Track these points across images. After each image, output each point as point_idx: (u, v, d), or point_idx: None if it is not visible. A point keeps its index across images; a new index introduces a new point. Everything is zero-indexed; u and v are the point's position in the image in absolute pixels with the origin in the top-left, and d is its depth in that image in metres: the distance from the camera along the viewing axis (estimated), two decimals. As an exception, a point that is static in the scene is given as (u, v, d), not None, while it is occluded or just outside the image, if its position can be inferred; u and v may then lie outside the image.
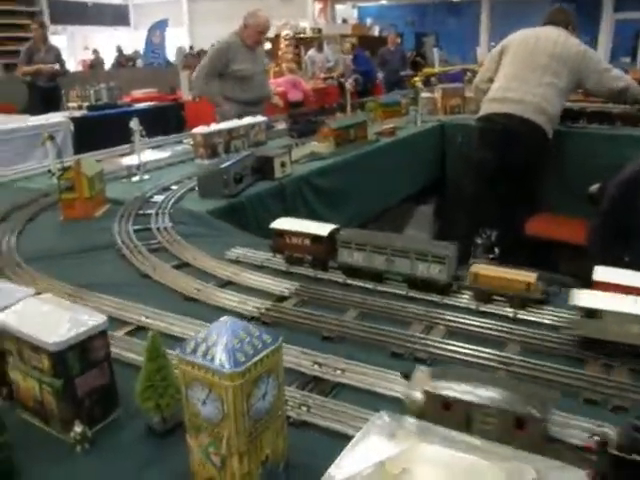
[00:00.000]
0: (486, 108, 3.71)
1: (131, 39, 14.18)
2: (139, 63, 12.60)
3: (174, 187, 2.60)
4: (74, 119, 6.55)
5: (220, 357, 0.73)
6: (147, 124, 9.00)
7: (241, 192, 2.51)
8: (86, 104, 7.24)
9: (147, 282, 1.64)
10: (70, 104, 7.16)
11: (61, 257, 1.84)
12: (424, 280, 1.48)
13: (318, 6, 15.72)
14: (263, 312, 1.40)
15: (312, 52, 10.79)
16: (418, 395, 0.84)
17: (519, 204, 4.10)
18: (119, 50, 13.21)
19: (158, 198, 2.42)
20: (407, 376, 1.01)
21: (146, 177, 2.85)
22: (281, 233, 1.65)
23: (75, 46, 14.25)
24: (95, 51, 13.00)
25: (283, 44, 11.17)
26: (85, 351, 0.96)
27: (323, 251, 1.58)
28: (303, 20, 15.16)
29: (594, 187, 4.02)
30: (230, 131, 3.27)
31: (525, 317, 1.35)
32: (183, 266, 1.72)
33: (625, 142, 4.11)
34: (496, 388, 0.82)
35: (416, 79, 11.84)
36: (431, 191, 4.85)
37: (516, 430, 0.78)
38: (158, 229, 2.03)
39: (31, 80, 7.25)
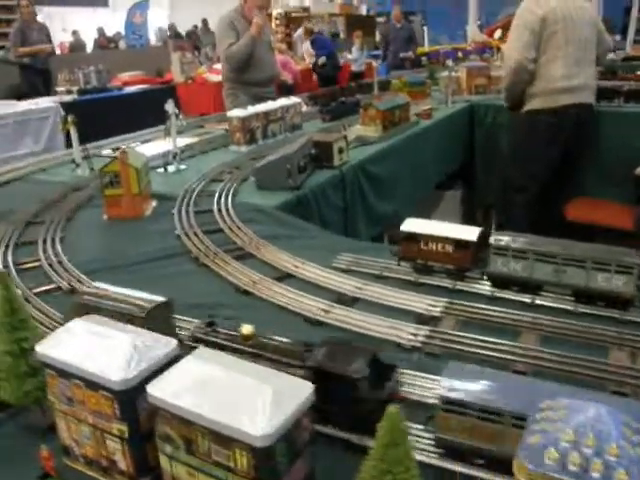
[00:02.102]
0: (553, 100, 3.34)
1: (110, 20, 13.50)
2: (121, 45, 11.99)
3: (220, 178, 2.29)
4: (64, 104, 6.11)
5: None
6: (139, 109, 8.57)
7: (304, 183, 2.20)
8: (76, 88, 6.78)
9: (249, 300, 1.33)
10: (59, 88, 6.69)
11: (128, 268, 1.52)
12: (603, 293, 1.21)
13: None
14: (424, 341, 1.12)
15: (300, 31, 10.39)
16: None
17: (560, 189, 3.90)
18: (101, 31, 12.54)
19: (210, 191, 2.10)
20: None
21: (183, 167, 2.52)
22: (413, 237, 1.35)
23: (53, 28, 13.49)
24: (75, 32, 12.31)
25: (274, 23, 10.73)
26: (292, 438, 0.66)
27: (469, 259, 1.30)
28: (289, -1, 14.69)
29: (639, 170, 3.82)
30: (267, 114, 2.95)
31: None
32: (286, 278, 1.42)
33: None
34: None
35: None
36: (456, 176, 4.59)
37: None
38: (231, 229, 1.72)
39: (27, 61, 6.77)
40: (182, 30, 13.92)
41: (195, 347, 0.86)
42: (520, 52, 3.34)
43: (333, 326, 1.19)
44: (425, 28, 13.93)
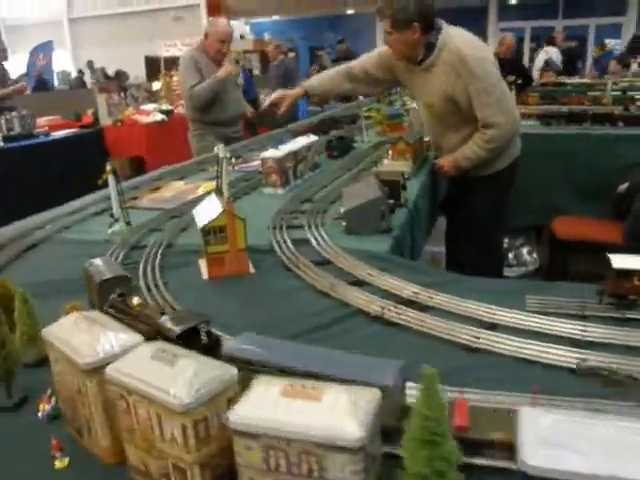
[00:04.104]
0: (519, 141, 3.12)
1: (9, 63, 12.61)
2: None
3: (292, 224, 2.11)
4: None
5: None
6: (66, 156, 8.03)
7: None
8: (-2, 135, 6.22)
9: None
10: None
11: (298, 338, 1.31)
12: None
13: (213, 23, 15.17)
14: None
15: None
16: None
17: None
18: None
19: (299, 239, 1.93)
20: None
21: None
22: (625, 273, 1.29)
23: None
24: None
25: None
26: None
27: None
28: (199, 37, 14.54)
29: (623, 187, 4.07)
30: (296, 154, 2.80)
31: None
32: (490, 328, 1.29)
33: (633, 142, 4.22)
34: None
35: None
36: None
37: None
38: (372, 277, 1.56)
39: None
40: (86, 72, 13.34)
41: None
42: (516, 116, 2.92)
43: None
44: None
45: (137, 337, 0.90)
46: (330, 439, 0.66)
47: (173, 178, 3.11)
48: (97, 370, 0.85)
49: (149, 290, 1.57)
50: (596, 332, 1.24)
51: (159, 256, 1.86)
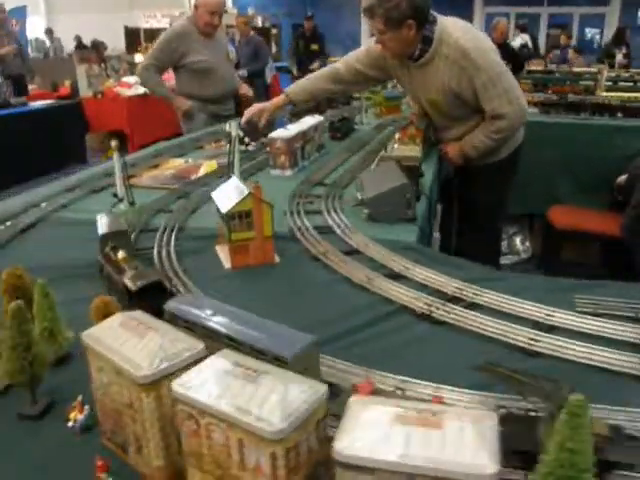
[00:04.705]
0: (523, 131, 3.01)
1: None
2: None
3: (310, 209, 2.01)
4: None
5: None
6: (44, 127, 7.77)
7: (413, 212, 1.99)
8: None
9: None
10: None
11: (348, 338, 1.21)
12: None
13: (194, -5, 14.71)
14: None
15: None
16: None
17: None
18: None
19: (322, 227, 1.82)
20: None
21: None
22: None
23: None
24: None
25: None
26: None
27: None
28: (179, 10, 14.10)
29: (621, 178, 4.05)
30: (305, 134, 2.68)
31: None
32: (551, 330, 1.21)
33: (632, 133, 4.20)
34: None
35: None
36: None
37: None
38: (412, 272, 1.47)
39: None
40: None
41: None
42: (524, 104, 2.73)
43: None
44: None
45: (198, 344, 0.79)
46: (462, 474, 0.57)
47: (171, 155, 2.95)
48: (155, 384, 0.74)
49: (169, 280, 1.44)
50: (661, 337, 1.17)
51: (172, 241, 1.73)
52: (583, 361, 1.12)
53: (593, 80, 5.40)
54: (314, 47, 9.49)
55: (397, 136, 2.98)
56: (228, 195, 1.60)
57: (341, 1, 16.20)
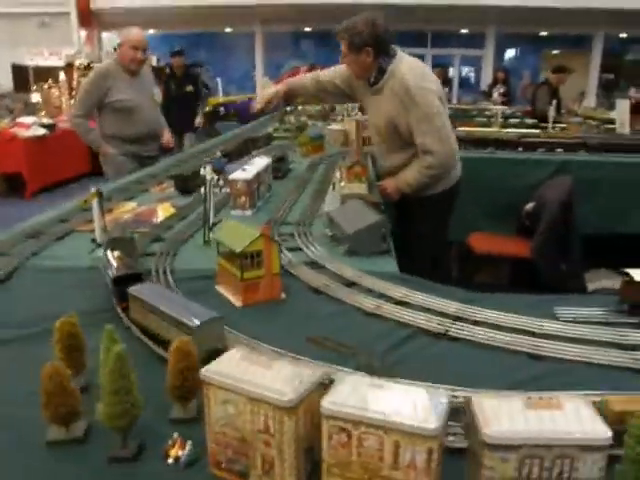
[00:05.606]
0: (458, 169, 3.26)
1: None
2: None
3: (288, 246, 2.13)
4: None
5: None
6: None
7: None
8: None
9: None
10: None
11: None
12: None
13: (83, 33, 14.34)
14: None
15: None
16: None
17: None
18: None
19: (311, 262, 1.95)
20: None
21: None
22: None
23: None
24: None
25: (77, 74, 9.90)
26: None
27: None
28: (68, 48, 13.65)
29: (529, 206, 4.55)
30: (259, 175, 2.80)
31: None
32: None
33: (530, 165, 4.76)
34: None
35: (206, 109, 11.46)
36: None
37: None
38: (414, 298, 1.64)
39: None
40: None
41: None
42: (453, 144, 3.01)
43: None
44: (219, 79, 14.26)
45: (318, 369, 0.90)
46: (589, 441, 0.73)
47: (120, 199, 2.93)
48: (296, 407, 0.83)
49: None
50: (635, 336, 1.42)
51: (172, 282, 1.77)
52: (579, 359, 1.33)
53: (489, 117, 6.02)
54: (188, 89, 7.80)
55: (338, 174, 3.20)
56: (234, 233, 1.69)
57: (236, 42, 16.53)
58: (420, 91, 2.85)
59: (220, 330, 1.30)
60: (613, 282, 4.59)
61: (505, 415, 0.77)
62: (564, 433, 0.74)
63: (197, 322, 1.23)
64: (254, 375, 0.87)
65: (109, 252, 1.70)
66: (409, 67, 2.93)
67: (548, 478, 0.76)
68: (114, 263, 1.63)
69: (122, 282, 1.51)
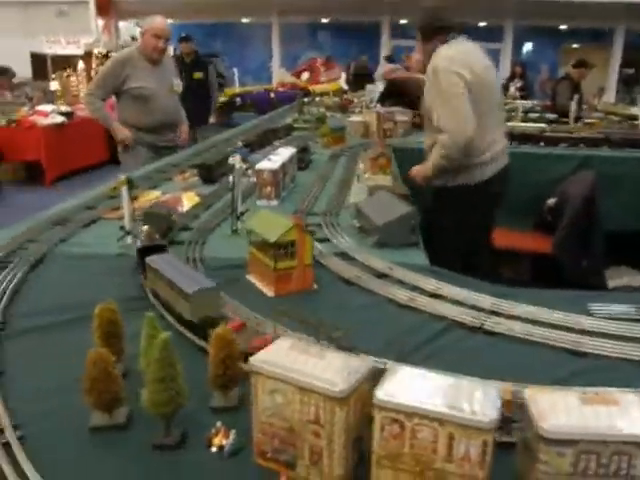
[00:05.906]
0: (490, 169, 3.13)
1: None
2: None
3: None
4: None
5: None
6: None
7: (412, 236, 2.15)
8: None
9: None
10: None
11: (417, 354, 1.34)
12: None
13: (101, 22, 14.38)
14: None
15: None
16: None
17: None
18: None
19: (339, 252, 1.94)
20: None
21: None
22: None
23: None
24: None
25: (95, 63, 9.94)
26: None
27: None
28: (85, 36, 13.70)
29: (551, 201, 4.50)
30: (284, 165, 2.79)
31: None
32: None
33: (552, 160, 4.70)
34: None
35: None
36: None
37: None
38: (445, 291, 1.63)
39: None
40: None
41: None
42: (468, 126, 2.88)
43: None
44: (235, 70, 14.23)
45: (366, 361, 0.89)
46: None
47: (144, 187, 2.94)
48: (347, 397, 0.83)
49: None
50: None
51: (202, 271, 1.77)
52: (619, 356, 1.32)
53: (510, 111, 5.95)
54: (197, 75, 7.60)
55: (362, 166, 3.19)
56: (266, 223, 1.68)
57: (253, 32, 16.49)
58: (445, 74, 2.90)
59: (216, 299, 1.36)
60: (635, 279, 4.55)
61: (561, 410, 0.76)
62: (622, 429, 0.73)
63: (194, 289, 1.30)
64: (304, 365, 0.86)
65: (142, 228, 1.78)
66: (445, 51, 3.00)
67: (605, 474, 0.74)
68: (142, 236, 1.72)
69: (147, 253, 1.57)
